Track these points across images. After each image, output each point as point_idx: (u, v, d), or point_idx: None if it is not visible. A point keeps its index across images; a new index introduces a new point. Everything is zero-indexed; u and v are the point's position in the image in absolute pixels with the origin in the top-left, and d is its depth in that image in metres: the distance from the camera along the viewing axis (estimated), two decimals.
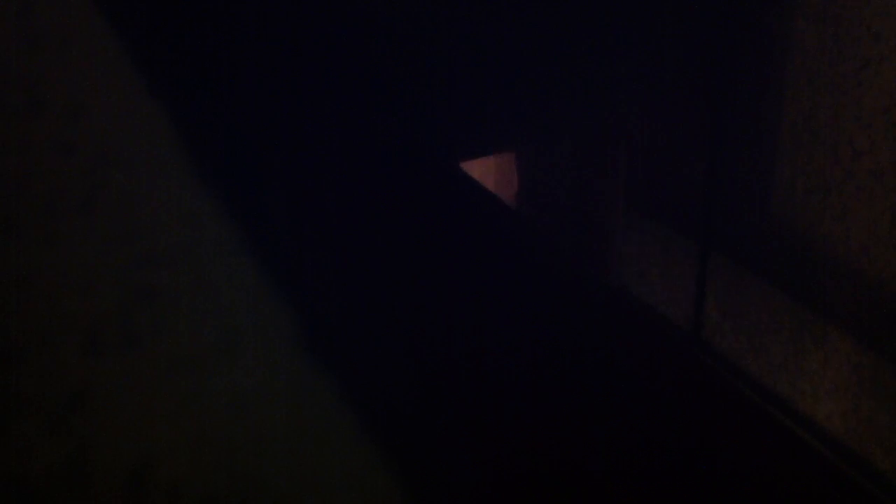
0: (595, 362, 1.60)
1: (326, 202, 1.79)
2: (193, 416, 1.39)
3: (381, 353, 1.61)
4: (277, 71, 1.82)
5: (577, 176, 2.71)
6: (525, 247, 1.90)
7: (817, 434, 2.30)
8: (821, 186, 2.17)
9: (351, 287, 1.70)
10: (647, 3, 2.03)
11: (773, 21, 2.19)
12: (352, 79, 1.87)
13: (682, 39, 2.18)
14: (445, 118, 1.98)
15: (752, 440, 1.45)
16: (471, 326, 1.68)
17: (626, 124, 2.52)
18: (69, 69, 1.67)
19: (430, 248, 1.86)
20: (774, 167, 2.28)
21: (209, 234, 1.53)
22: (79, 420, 1.37)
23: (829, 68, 2.08)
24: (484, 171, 3.42)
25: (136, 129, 1.58)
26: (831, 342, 2.23)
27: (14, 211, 1.54)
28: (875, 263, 2.06)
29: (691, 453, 1.40)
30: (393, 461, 1.41)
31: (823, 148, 2.14)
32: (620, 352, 1.63)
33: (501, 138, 2.13)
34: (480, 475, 1.44)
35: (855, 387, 2.19)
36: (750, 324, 2.44)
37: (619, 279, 2.73)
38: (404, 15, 1.75)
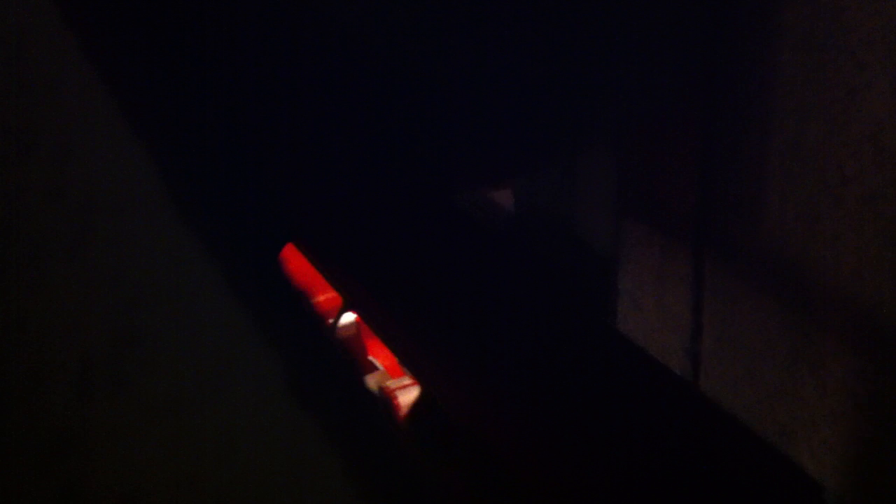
0: (588, 401, 1.61)
1: (313, 241, 1.81)
2: (181, 456, 1.37)
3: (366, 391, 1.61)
4: (262, 115, 1.83)
5: (571, 203, 2.72)
6: (518, 282, 1.91)
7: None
8: (810, 213, 2.17)
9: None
10: (633, 29, 2.05)
11: (758, 49, 2.20)
12: (343, 112, 1.88)
13: (668, 68, 2.20)
14: (440, 145, 1.99)
15: (754, 477, 1.46)
16: (459, 367, 1.69)
17: (618, 154, 2.53)
18: (58, 114, 1.68)
19: (418, 286, 1.87)
20: (764, 194, 2.29)
21: (195, 276, 1.53)
22: (69, 461, 1.34)
23: (815, 96, 2.10)
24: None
25: (122, 173, 1.59)
26: (827, 368, 2.23)
27: (3, 256, 1.54)
28: (866, 289, 2.06)
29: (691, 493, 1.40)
30: (382, 497, 1.41)
31: (812, 175, 2.15)
32: (615, 391, 1.65)
33: (498, 164, 2.13)
34: None
35: (851, 413, 2.18)
36: (745, 351, 2.44)
37: (614, 310, 2.73)
38: (390, 29, 1.76)
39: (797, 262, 2.23)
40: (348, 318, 2.53)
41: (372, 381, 2.13)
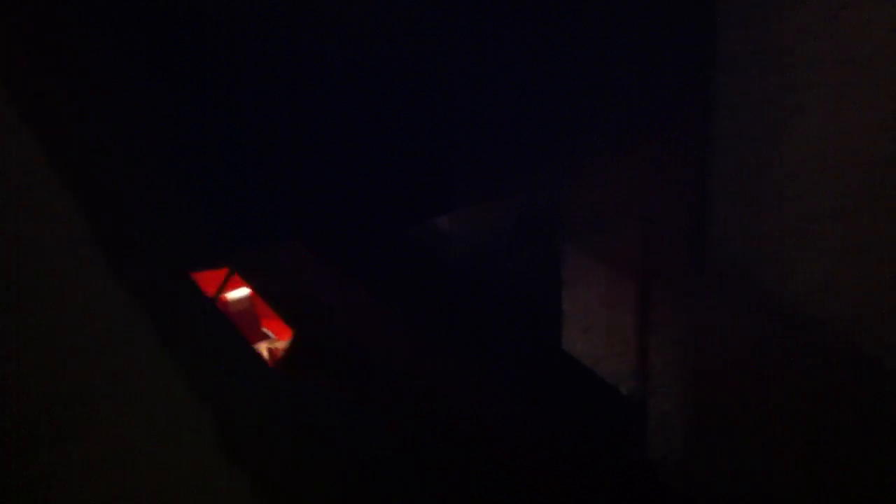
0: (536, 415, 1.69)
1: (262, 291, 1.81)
2: None
3: (303, 446, 1.60)
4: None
5: (521, 234, 2.68)
6: (476, 316, 1.95)
7: None
8: (755, 233, 2.17)
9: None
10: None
11: (699, 71, 2.21)
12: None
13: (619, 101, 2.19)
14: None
15: None
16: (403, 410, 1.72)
17: (565, 175, 2.50)
18: None
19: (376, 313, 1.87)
20: (712, 217, 2.28)
21: (134, 328, 1.50)
22: None
23: (756, 121, 2.10)
24: None
25: (57, 222, 1.53)
26: (776, 389, 2.22)
27: None
28: (814, 308, 2.06)
29: None
30: None
31: (756, 198, 2.15)
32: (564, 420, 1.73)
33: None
34: None
35: (803, 433, 2.18)
36: (695, 374, 2.42)
37: (564, 336, 2.67)
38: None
39: (745, 282, 2.23)
40: (240, 293, 2.77)
41: (263, 346, 2.60)
